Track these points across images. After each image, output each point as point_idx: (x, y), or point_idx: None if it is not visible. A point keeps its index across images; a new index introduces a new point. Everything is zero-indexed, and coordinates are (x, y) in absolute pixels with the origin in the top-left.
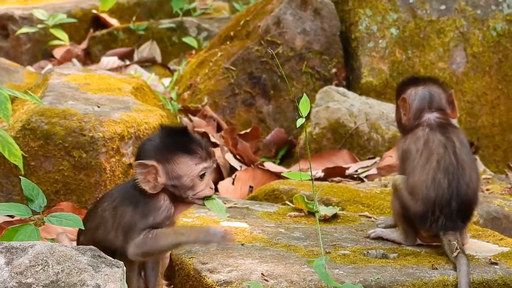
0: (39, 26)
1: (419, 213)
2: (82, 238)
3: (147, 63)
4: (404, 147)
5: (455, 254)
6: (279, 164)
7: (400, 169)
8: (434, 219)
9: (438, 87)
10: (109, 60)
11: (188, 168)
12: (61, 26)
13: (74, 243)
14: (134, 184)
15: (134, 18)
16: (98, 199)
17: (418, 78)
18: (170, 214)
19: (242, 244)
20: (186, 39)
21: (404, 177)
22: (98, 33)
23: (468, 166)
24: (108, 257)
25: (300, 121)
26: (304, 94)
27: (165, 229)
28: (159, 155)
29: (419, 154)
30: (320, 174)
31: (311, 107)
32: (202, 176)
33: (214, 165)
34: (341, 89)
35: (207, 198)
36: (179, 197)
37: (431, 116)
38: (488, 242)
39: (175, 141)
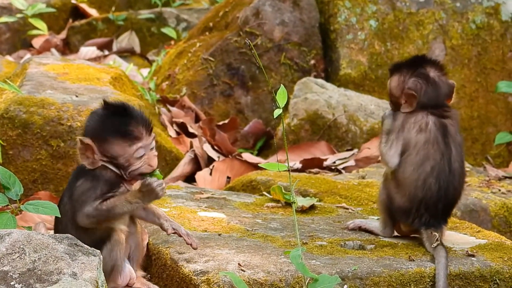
0: (18, 15)
1: (403, 208)
2: None
3: (126, 53)
4: (406, 135)
5: (434, 245)
6: (257, 155)
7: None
8: (417, 215)
9: (442, 75)
10: (88, 50)
11: (122, 149)
12: (40, 16)
13: (51, 232)
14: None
15: (113, 8)
16: (60, 197)
17: (422, 60)
18: (117, 181)
19: (219, 234)
20: (165, 30)
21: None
22: (77, 23)
23: (458, 173)
24: (85, 245)
25: (277, 112)
26: (282, 85)
27: (114, 199)
28: (96, 134)
29: (415, 152)
30: (298, 165)
31: (289, 98)
32: (139, 155)
33: (153, 142)
34: (320, 81)
35: (147, 174)
36: (124, 170)
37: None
38: (465, 234)
39: (111, 121)
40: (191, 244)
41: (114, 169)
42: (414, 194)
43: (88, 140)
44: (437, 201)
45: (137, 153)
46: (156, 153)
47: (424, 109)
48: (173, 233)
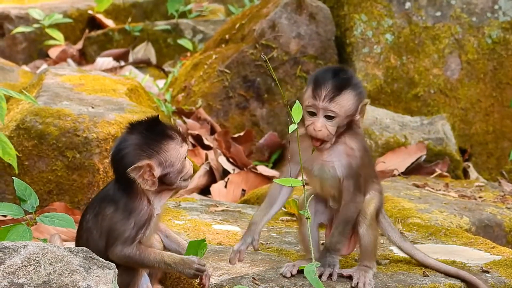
0: (35, 25)
1: None
2: None
3: (142, 65)
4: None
5: None
6: (272, 167)
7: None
8: None
9: None
10: (104, 61)
11: (177, 152)
12: (57, 26)
13: (67, 244)
14: (112, 187)
15: (129, 19)
16: (83, 211)
17: None
18: (150, 215)
19: None
20: (181, 41)
21: None
22: (93, 33)
23: None
24: (100, 258)
25: (292, 127)
26: (297, 100)
27: (153, 250)
28: (149, 151)
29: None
30: None
31: None
32: (185, 158)
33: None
34: None
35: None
36: (168, 184)
37: None
38: (480, 250)
39: (155, 132)
40: (204, 285)
41: (165, 180)
42: None
43: (145, 161)
44: None
45: (186, 155)
46: (190, 162)
47: None
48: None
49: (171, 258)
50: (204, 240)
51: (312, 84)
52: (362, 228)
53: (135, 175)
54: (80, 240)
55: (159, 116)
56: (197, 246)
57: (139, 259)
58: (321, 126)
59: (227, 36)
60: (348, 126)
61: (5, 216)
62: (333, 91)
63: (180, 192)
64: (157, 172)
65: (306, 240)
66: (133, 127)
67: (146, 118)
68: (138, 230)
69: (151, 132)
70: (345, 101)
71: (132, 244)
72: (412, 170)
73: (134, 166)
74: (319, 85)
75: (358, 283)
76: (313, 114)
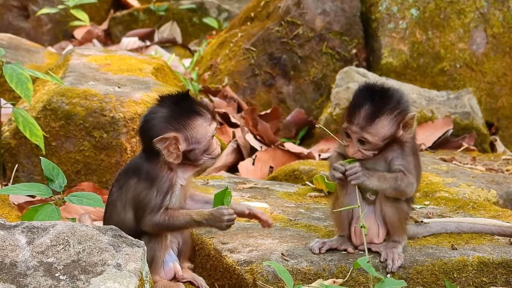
0: (60, 6)
1: None
2: None
3: (168, 44)
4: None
5: None
6: (299, 144)
7: None
8: None
9: None
10: (130, 41)
11: (204, 130)
12: (81, 6)
13: (96, 223)
14: (137, 159)
15: None
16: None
17: None
18: (172, 182)
19: None
20: (206, 20)
21: None
22: (118, 13)
23: None
24: (129, 236)
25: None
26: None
27: (180, 211)
28: (176, 124)
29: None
30: None
31: (330, 87)
32: (212, 136)
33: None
34: (361, 70)
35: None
36: (193, 161)
37: None
38: (508, 222)
39: (184, 107)
40: (267, 221)
41: (190, 156)
42: None
43: (172, 133)
44: None
45: (214, 133)
46: (218, 141)
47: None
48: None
49: (200, 215)
50: (227, 188)
51: (349, 104)
52: (387, 204)
53: (161, 146)
54: (104, 215)
55: (189, 92)
56: (222, 196)
57: (169, 224)
58: (354, 151)
59: (252, 14)
60: (392, 141)
61: (33, 196)
62: (365, 119)
63: (208, 170)
64: (183, 146)
65: (341, 219)
66: (163, 100)
67: (177, 92)
68: (163, 198)
69: (180, 107)
70: (379, 129)
71: (159, 211)
72: (439, 145)
73: (160, 137)
74: (354, 108)
75: (386, 259)
76: (348, 135)
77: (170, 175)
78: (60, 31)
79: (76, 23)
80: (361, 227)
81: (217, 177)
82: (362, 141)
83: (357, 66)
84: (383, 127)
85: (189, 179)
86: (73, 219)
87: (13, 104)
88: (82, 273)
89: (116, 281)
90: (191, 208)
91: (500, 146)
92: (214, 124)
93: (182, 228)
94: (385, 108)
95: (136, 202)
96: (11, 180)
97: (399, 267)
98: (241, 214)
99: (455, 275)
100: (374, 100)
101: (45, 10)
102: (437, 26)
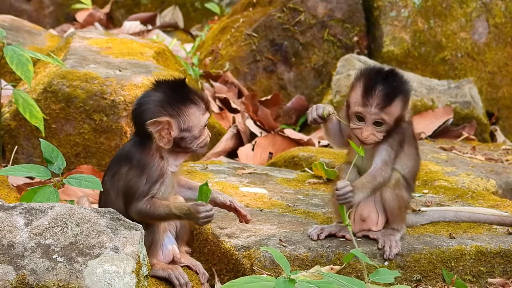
0: None
1: None
2: None
3: (169, 28)
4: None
5: None
6: (299, 131)
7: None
8: None
9: None
10: (132, 25)
11: (197, 119)
12: None
13: (94, 206)
14: (128, 144)
15: None
16: (103, 174)
17: None
18: (162, 171)
19: (261, 210)
20: (208, 5)
21: None
22: None
23: None
24: (127, 219)
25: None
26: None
27: (162, 202)
28: (170, 110)
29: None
30: None
31: (331, 75)
32: (204, 126)
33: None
34: (363, 58)
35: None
36: (183, 148)
37: None
38: (506, 212)
39: (180, 93)
40: (246, 216)
41: (180, 143)
42: None
43: (166, 118)
44: None
45: (206, 123)
46: (208, 131)
47: None
48: (229, 205)
49: (179, 209)
50: (206, 184)
51: (361, 88)
52: (386, 191)
53: (153, 129)
54: (99, 203)
55: (186, 79)
56: (206, 190)
57: (149, 213)
58: (369, 134)
59: (254, 0)
60: (395, 125)
61: (32, 178)
62: (384, 100)
63: (207, 155)
64: (175, 132)
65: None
66: (159, 84)
67: (173, 78)
68: (151, 186)
69: (175, 93)
70: (395, 109)
71: (143, 199)
72: (439, 133)
73: (153, 120)
74: (369, 91)
75: (384, 246)
76: (361, 119)
77: (161, 163)
78: (62, 13)
79: (78, 6)
80: (347, 225)
81: (216, 162)
82: (379, 123)
83: (358, 53)
84: (398, 107)
85: (180, 166)
86: (72, 202)
87: (14, 86)
88: (80, 255)
89: (114, 264)
90: (177, 193)
91: (500, 136)
92: (207, 115)
93: (162, 219)
94: (400, 88)
95: (125, 189)
96: (11, 162)
97: (396, 254)
98: (222, 205)
99: (453, 264)
100: (390, 83)
101: None
102: (439, 15)
